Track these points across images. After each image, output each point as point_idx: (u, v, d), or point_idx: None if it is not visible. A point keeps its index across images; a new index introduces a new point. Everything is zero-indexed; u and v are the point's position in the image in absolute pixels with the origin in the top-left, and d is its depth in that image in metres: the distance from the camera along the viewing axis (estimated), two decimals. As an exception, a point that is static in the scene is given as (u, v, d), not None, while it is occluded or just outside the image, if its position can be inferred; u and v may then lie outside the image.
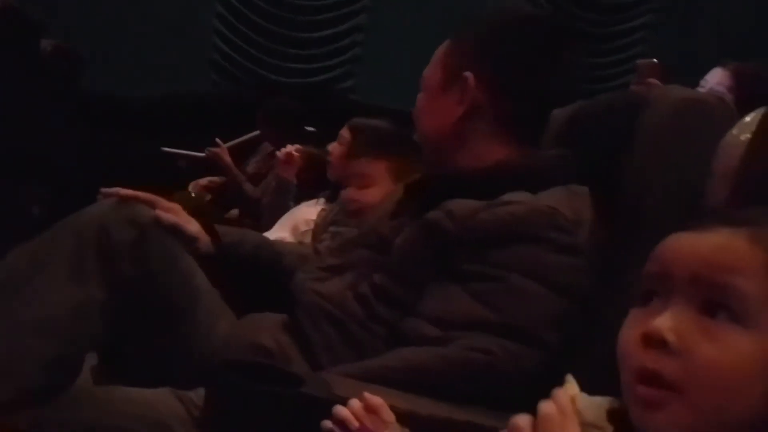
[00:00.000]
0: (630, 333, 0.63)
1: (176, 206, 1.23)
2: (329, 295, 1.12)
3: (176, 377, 1.09)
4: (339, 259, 1.22)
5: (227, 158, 3.48)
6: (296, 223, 2.45)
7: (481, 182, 1.10)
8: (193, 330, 1.14)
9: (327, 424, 0.73)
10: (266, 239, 1.44)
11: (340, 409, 0.74)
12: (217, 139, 3.52)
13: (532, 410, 0.59)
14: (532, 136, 1.17)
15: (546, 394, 0.67)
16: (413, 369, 0.98)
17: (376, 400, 0.75)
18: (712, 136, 0.97)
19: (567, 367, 0.95)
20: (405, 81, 5.13)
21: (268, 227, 2.60)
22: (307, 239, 2.27)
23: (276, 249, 1.37)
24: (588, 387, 0.71)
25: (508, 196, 1.06)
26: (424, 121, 1.21)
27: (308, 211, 2.44)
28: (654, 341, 0.60)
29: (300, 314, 1.13)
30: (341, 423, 0.72)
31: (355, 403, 0.74)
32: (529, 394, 0.89)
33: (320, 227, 2.17)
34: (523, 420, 0.57)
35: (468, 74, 1.14)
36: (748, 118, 0.97)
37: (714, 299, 0.60)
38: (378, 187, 1.80)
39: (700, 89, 2.17)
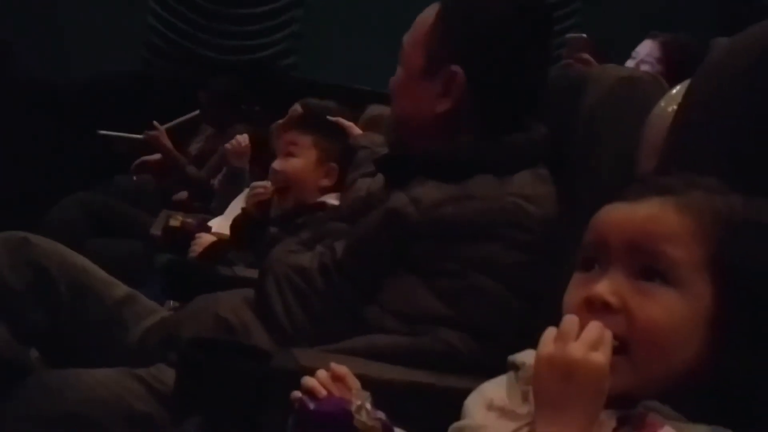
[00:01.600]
0: (573, 296, 0.68)
1: None
2: (297, 266, 1.14)
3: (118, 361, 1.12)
4: (313, 234, 1.24)
5: (166, 141, 3.42)
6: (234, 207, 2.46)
7: (449, 164, 1.11)
8: (121, 333, 1.18)
9: (296, 394, 0.75)
10: None
11: (307, 380, 0.76)
12: (155, 122, 3.46)
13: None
14: (506, 123, 1.15)
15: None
16: (380, 355, 1.01)
17: (342, 368, 0.78)
18: (646, 113, 1.02)
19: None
20: (346, 57, 5.13)
21: (220, 211, 2.60)
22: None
23: None
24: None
25: (474, 184, 1.06)
26: (400, 103, 1.20)
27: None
28: (596, 305, 0.65)
29: (268, 284, 1.15)
30: (309, 392, 0.75)
31: (321, 373, 0.77)
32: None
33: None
34: (575, 317, 0.64)
35: (457, 70, 1.11)
36: (674, 91, 1.04)
37: (648, 265, 0.65)
38: (301, 159, 1.86)
39: (631, 61, 2.26)
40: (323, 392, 0.75)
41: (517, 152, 1.11)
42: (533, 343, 0.67)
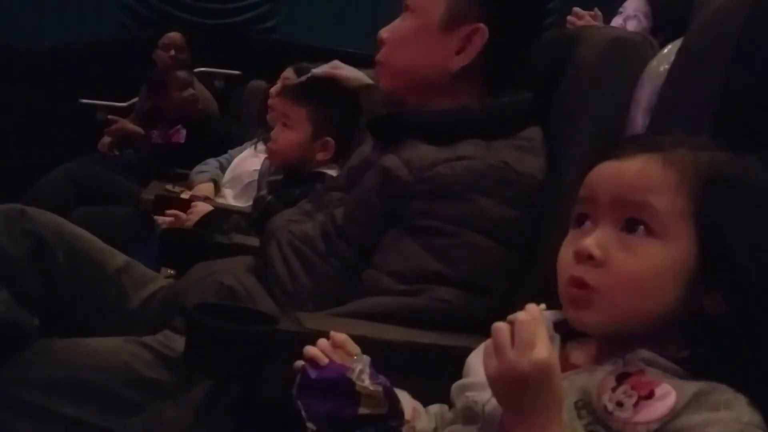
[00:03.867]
0: (566, 251, 0.72)
1: None
2: (300, 233, 1.16)
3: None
4: (314, 204, 1.26)
5: (131, 127, 3.47)
6: (236, 175, 2.44)
7: (440, 126, 1.12)
8: (120, 301, 1.19)
9: (298, 364, 0.77)
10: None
11: (309, 349, 0.77)
12: (109, 116, 3.52)
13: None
14: (502, 86, 1.16)
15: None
16: (380, 316, 1.02)
17: (341, 335, 0.79)
18: (637, 73, 1.04)
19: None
20: (327, 18, 5.04)
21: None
22: (252, 190, 2.28)
23: None
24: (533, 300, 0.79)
25: (463, 147, 1.08)
26: (404, 52, 1.16)
27: (248, 162, 2.43)
28: (583, 257, 0.69)
29: (271, 249, 1.16)
30: (311, 360, 0.76)
31: (322, 341, 0.79)
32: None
33: (263, 177, 2.17)
34: (502, 324, 0.66)
35: (482, 28, 1.11)
36: (666, 50, 1.05)
37: (633, 217, 0.69)
38: (296, 131, 1.83)
39: (619, 16, 2.26)
40: (324, 360, 0.76)
41: (506, 116, 1.12)
42: (527, 296, 0.70)
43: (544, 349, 0.63)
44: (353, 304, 1.06)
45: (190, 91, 3.44)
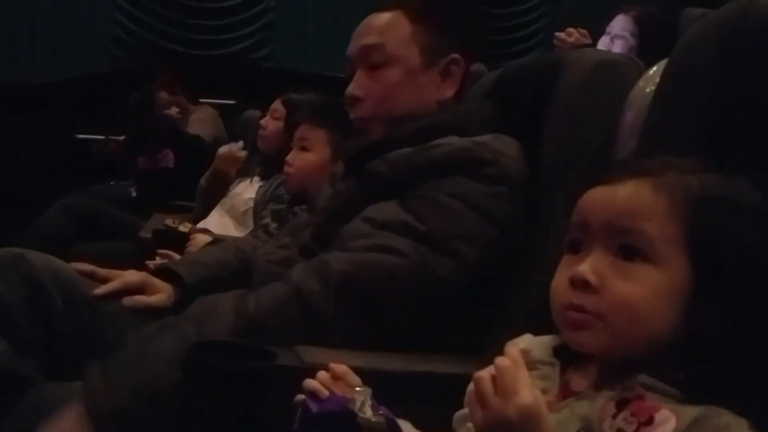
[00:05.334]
0: (560, 277, 0.73)
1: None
2: (279, 260, 1.19)
3: None
4: (292, 238, 1.28)
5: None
6: (234, 204, 2.46)
7: (415, 137, 1.17)
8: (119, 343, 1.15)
9: (299, 397, 0.77)
10: (222, 254, 1.45)
11: (309, 382, 0.77)
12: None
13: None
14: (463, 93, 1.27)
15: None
16: (350, 280, 1.03)
17: (341, 367, 0.79)
18: (623, 95, 1.05)
19: (507, 304, 1.04)
20: (321, 46, 5.09)
21: (200, 211, 2.60)
22: (249, 219, 2.29)
23: (237, 254, 1.41)
24: (527, 323, 0.80)
25: (438, 141, 1.14)
26: (400, 101, 1.23)
27: (245, 191, 2.44)
28: (578, 283, 0.69)
29: (255, 283, 1.17)
30: (311, 393, 0.76)
31: (322, 373, 0.79)
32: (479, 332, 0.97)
33: (260, 205, 2.19)
34: (483, 372, 0.66)
35: (457, 57, 1.23)
36: (651, 71, 1.06)
37: (627, 243, 0.69)
38: (315, 153, 1.86)
39: (606, 36, 2.28)
40: (325, 393, 0.76)
41: (475, 119, 1.20)
42: (521, 320, 0.69)
43: (527, 394, 0.63)
44: (323, 264, 1.06)
45: (175, 109, 3.44)
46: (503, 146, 1.13)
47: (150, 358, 0.96)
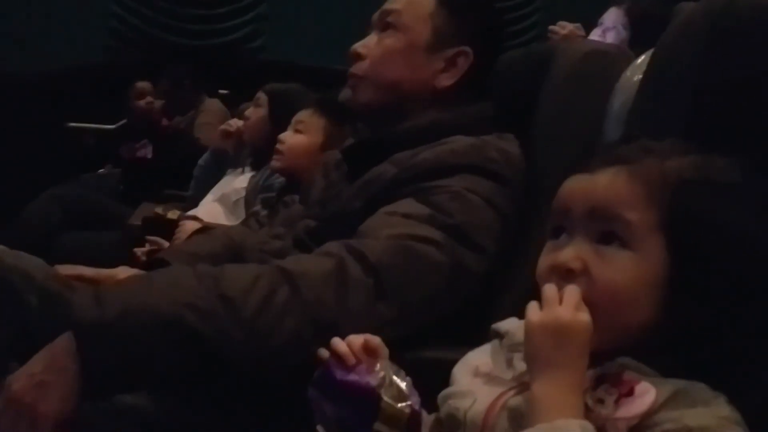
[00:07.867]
0: (543, 262, 0.73)
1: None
2: (273, 251, 1.19)
3: None
4: (287, 229, 1.28)
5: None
6: (225, 193, 2.45)
7: (419, 136, 1.16)
8: None
9: (323, 353, 0.72)
10: (214, 244, 1.41)
11: (338, 344, 0.72)
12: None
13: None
14: (469, 95, 1.22)
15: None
16: (380, 263, 0.98)
17: (375, 339, 0.75)
18: (611, 85, 1.05)
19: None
20: (315, 37, 5.08)
21: (197, 195, 2.60)
22: (240, 208, 2.29)
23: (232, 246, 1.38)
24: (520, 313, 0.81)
25: (445, 140, 1.13)
26: (391, 67, 1.21)
27: (236, 181, 2.44)
28: (561, 270, 0.70)
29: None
30: (338, 357, 0.71)
31: (355, 338, 0.74)
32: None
33: (251, 195, 2.19)
34: (551, 284, 0.68)
35: (468, 51, 1.19)
36: (639, 60, 1.07)
37: (607, 230, 0.70)
38: (308, 137, 1.87)
39: (598, 29, 2.29)
40: (352, 360, 0.71)
41: (480, 119, 1.18)
42: (511, 305, 0.70)
43: (587, 314, 0.66)
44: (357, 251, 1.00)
45: (148, 99, 3.44)
46: (507, 145, 1.14)
47: (154, 287, 0.91)
